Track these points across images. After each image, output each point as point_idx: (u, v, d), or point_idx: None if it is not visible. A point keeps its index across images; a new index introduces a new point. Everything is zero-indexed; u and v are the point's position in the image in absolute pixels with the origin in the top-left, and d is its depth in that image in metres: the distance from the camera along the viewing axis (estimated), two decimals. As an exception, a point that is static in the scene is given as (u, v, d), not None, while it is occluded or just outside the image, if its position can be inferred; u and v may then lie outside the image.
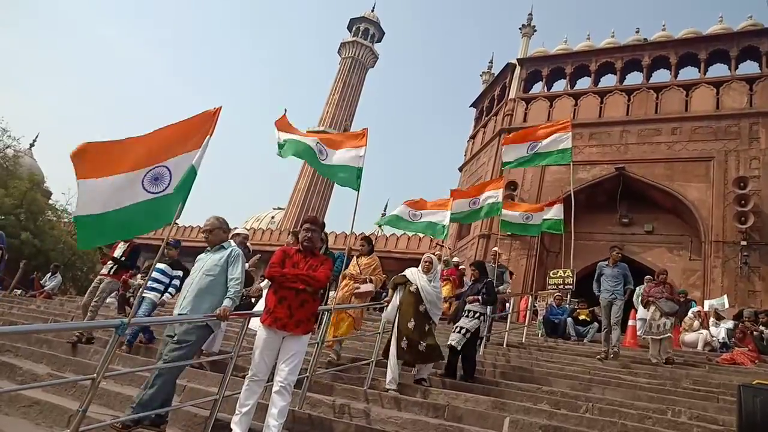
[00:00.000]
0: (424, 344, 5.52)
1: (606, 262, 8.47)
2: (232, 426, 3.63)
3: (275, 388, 3.72)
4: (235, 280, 4.16)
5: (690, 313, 11.38)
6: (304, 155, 5.88)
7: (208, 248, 4.36)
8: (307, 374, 4.65)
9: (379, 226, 9.19)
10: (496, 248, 12.25)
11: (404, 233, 25.32)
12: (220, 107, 3.69)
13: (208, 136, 3.58)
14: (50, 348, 6.48)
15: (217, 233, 4.35)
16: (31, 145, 37.40)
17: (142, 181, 3.36)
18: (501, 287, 9.87)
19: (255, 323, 4.60)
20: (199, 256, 4.39)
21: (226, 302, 4.02)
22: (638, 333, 10.76)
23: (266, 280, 6.19)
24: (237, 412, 3.69)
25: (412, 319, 5.58)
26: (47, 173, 33.95)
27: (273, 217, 49.16)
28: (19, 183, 23.74)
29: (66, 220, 26.12)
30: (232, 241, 6.75)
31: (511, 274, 13.06)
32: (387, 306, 5.90)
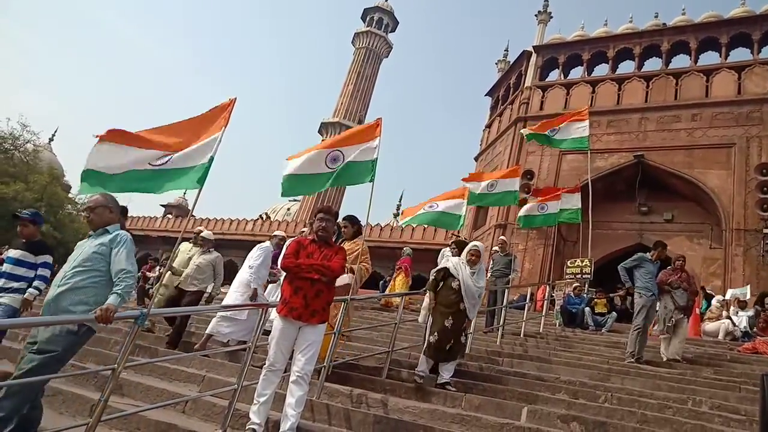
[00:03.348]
0: (453, 343, 5.14)
1: (650, 255, 7.69)
2: (251, 415, 3.66)
3: (292, 378, 3.73)
4: (125, 272, 3.28)
5: (716, 302, 11.21)
6: (310, 187, 5.67)
7: (91, 232, 3.54)
8: (324, 364, 4.66)
9: (400, 222, 9.40)
10: (503, 237, 12.23)
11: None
12: (235, 99, 3.71)
13: (223, 128, 3.59)
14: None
15: (101, 212, 3.48)
16: (51, 140, 37.91)
17: (149, 160, 3.49)
18: (511, 275, 9.80)
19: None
20: (79, 243, 3.58)
21: (111, 298, 3.13)
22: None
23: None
24: (255, 401, 3.71)
25: (450, 318, 5.16)
26: (66, 167, 34.40)
27: (288, 209, 49.38)
28: (39, 177, 24.14)
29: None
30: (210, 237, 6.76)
31: None
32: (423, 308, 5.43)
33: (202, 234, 7.33)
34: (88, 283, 3.26)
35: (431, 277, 5.47)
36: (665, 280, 7.50)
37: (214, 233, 7.73)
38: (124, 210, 7.12)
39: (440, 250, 11.15)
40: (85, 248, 3.41)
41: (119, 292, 3.19)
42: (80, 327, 3.19)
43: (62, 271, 3.35)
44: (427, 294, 5.40)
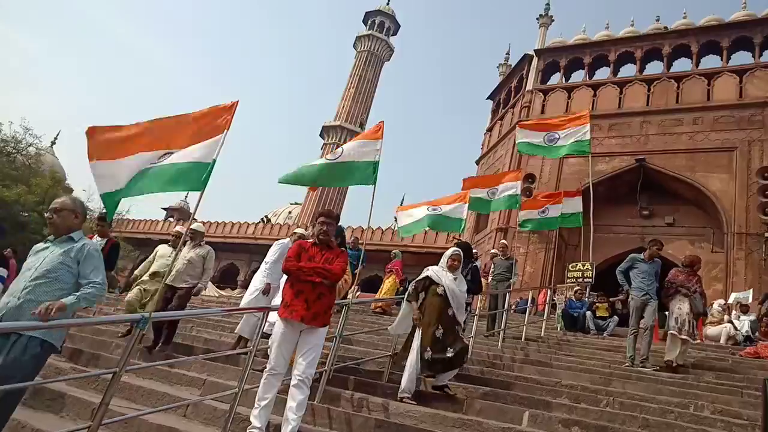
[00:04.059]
0: (452, 351, 4.86)
1: (642, 255, 7.45)
2: (252, 419, 3.66)
3: (293, 382, 3.73)
4: (93, 282, 3.10)
5: (717, 306, 11.19)
6: (314, 177, 5.76)
7: (50, 237, 3.25)
8: (326, 368, 4.65)
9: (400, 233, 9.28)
10: (504, 240, 12.22)
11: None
12: (237, 102, 3.71)
13: (225, 130, 3.60)
14: (72, 342, 6.57)
15: (66, 216, 3.20)
16: (53, 143, 37.85)
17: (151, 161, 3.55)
18: (512, 279, 9.79)
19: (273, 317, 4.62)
20: (35, 247, 3.26)
21: (68, 298, 2.95)
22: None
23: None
24: (256, 405, 3.71)
25: (440, 326, 4.90)
26: (68, 170, 34.46)
27: (290, 212, 49.40)
28: (41, 180, 24.13)
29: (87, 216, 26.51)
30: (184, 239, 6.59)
31: None
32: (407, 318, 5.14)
33: (192, 227, 6.79)
34: (52, 297, 2.97)
35: (411, 288, 5.22)
36: (682, 282, 7.18)
37: (215, 236, 7.69)
38: (103, 216, 7.00)
39: (442, 253, 11.14)
40: (46, 257, 3.11)
41: (78, 294, 3.02)
42: (42, 345, 2.99)
43: (21, 281, 3.05)
44: (405, 304, 5.19)
